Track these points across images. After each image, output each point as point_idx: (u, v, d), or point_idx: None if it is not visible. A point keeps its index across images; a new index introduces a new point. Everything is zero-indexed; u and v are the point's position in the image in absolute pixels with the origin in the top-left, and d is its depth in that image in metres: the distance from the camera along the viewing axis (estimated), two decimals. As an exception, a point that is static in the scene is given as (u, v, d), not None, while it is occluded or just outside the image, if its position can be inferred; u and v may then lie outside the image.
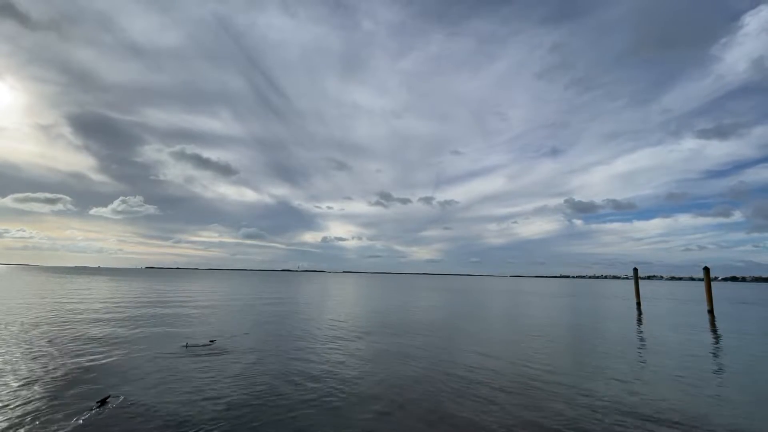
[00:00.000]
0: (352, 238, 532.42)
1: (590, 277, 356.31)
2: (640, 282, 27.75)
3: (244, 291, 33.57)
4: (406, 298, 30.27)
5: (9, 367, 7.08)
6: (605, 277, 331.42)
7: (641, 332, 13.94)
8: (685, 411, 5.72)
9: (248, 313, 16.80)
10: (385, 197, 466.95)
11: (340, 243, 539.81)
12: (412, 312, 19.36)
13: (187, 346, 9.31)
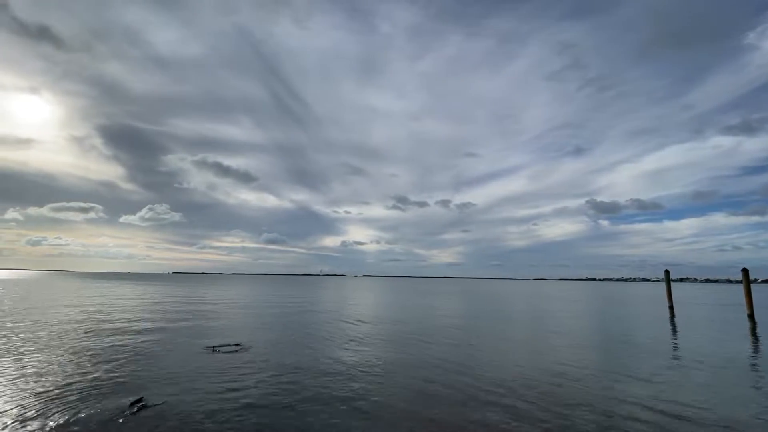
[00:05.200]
0: (371, 242, 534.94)
1: (618, 280, 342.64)
2: (672, 285, 26.47)
3: (267, 295, 34.21)
4: (428, 302, 30.06)
5: (44, 371, 7.46)
6: (634, 279, 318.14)
7: (675, 338, 13.29)
8: (719, 419, 5.41)
9: (272, 317, 17.10)
10: (401, 201, 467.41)
11: (359, 247, 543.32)
12: (436, 318, 19.21)
13: (214, 350, 9.58)
